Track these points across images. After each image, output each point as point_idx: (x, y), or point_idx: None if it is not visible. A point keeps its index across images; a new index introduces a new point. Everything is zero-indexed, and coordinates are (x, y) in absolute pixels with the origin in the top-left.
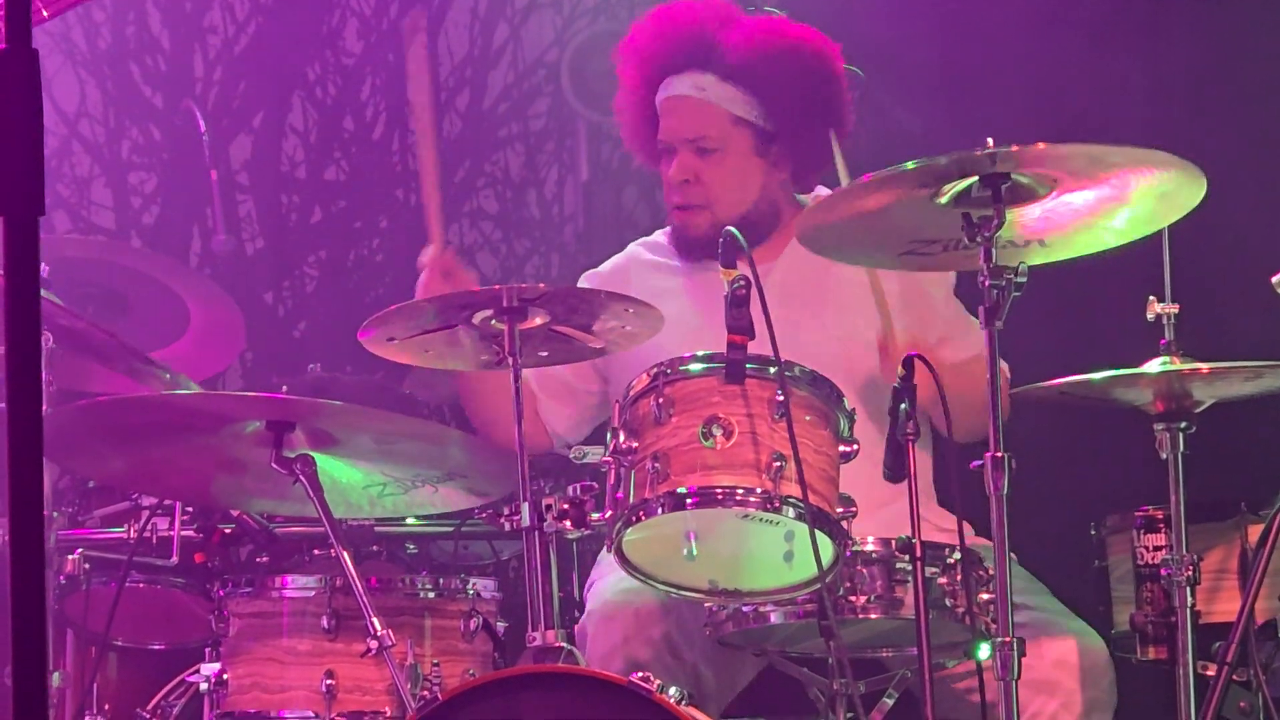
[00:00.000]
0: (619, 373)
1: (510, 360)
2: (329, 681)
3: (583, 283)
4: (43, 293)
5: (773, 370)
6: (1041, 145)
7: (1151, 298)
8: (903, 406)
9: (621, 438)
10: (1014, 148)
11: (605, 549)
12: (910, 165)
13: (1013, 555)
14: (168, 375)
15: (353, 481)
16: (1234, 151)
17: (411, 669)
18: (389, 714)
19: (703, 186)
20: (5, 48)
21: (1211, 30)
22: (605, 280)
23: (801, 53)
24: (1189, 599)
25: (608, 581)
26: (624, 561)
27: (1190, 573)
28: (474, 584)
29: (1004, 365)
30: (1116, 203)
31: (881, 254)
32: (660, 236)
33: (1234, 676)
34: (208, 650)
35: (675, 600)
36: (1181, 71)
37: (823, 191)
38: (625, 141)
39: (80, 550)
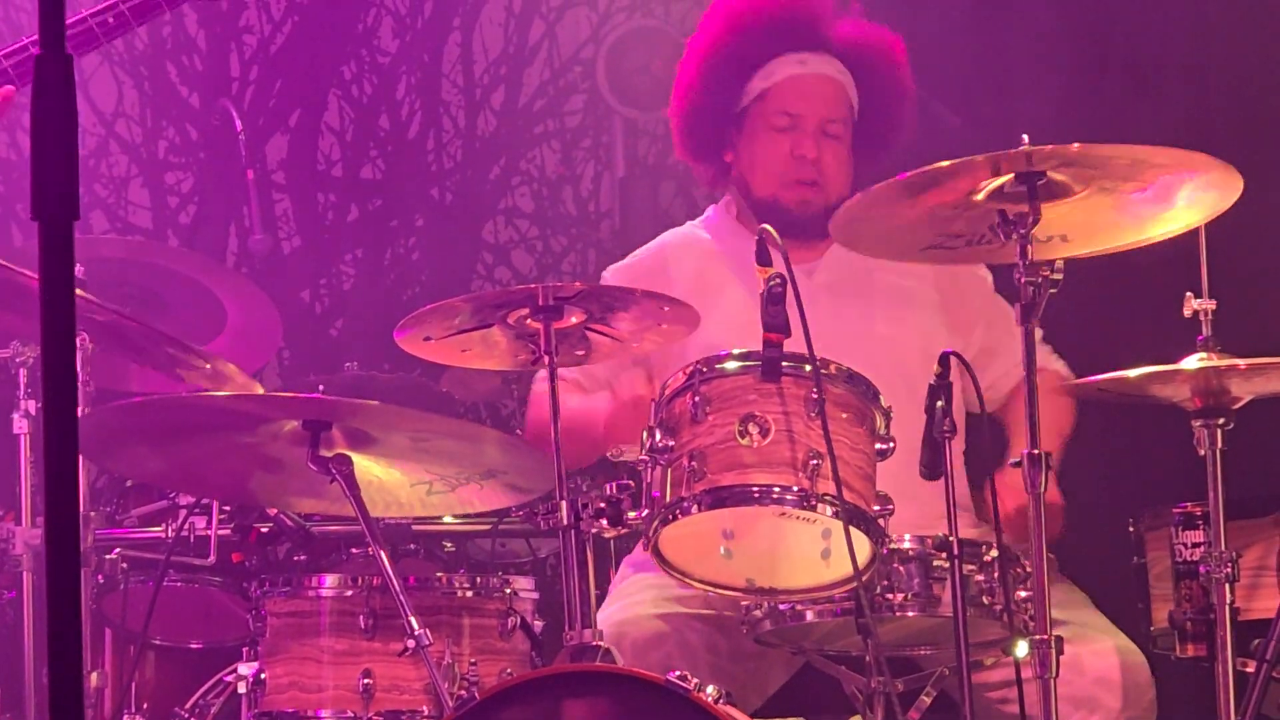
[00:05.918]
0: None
1: (546, 359)
2: (366, 681)
3: (607, 276)
4: (77, 291)
5: (808, 368)
6: (1077, 146)
7: (1189, 294)
8: (939, 404)
9: (658, 436)
10: (1049, 147)
11: (639, 549)
12: (945, 164)
13: (1052, 556)
14: (208, 365)
15: (396, 480)
16: (1271, 146)
17: (449, 668)
18: (426, 713)
19: (823, 167)
20: (40, 53)
21: (1251, 25)
22: (635, 274)
23: (894, 55)
24: (1228, 596)
25: (603, 615)
26: (661, 560)
27: (1229, 569)
28: (511, 582)
29: (1063, 366)
30: (1149, 203)
31: (906, 248)
32: (694, 227)
33: (1273, 674)
34: (245, 649)
35: (674, 624)
36: (1220, 67)
37: None
38: (702, 112)
39: (118, 549)
